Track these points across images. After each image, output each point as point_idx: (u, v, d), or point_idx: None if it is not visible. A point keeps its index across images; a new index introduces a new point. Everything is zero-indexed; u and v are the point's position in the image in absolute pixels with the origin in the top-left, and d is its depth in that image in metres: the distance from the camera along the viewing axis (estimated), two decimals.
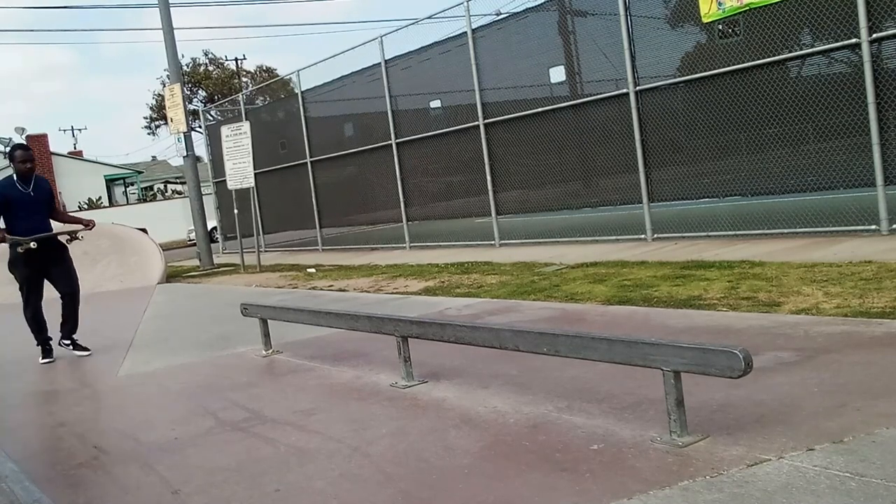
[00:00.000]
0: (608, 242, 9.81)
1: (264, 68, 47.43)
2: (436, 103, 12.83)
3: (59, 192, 33.96)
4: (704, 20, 8.47)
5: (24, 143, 7.62)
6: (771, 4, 7.83)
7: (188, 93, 40.44)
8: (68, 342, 7.01)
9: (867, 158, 7.35)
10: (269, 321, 6.01)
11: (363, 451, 3.49)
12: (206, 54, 47.29)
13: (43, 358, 6.86)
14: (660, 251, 8.49)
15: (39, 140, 35.32)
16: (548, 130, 10.53)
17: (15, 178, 6.55)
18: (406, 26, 12.73)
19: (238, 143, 13.98)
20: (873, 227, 7.38)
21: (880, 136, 7.22)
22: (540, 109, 10.55)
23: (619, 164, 9.70)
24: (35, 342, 7.01)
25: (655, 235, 9.35)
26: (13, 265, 6.67)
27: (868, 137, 7.29)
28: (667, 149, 9.28)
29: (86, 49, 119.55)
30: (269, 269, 13.76)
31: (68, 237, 6.79)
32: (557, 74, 10.52)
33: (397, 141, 13.10)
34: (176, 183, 44.57)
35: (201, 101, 43.63)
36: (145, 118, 49.59)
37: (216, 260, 16.74)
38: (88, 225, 6.96)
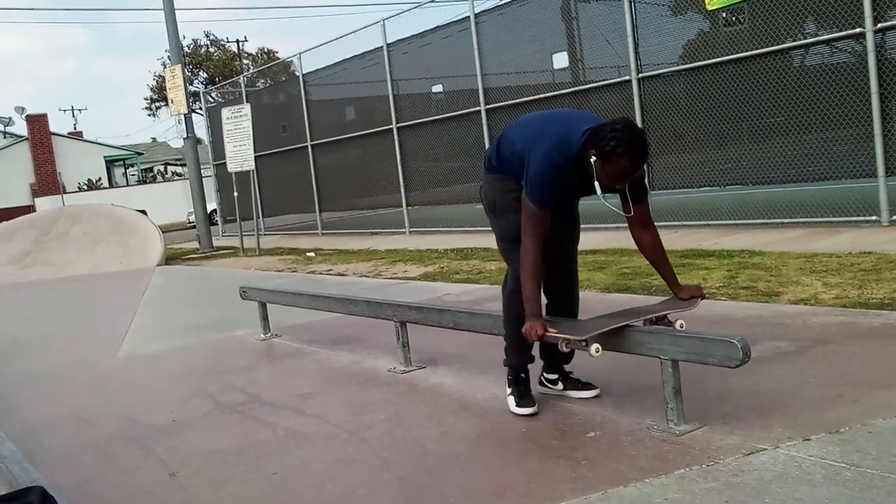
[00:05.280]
0: (608, 230, 9.78)
1: (266, 51, 47.16)
2: (437, 88, 12.78)
3: (59, 173, 33.90)
4: (709, 7, 8.41)
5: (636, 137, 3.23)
6: None
7: (189, 74, 40.30)
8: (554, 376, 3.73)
9: (869, 149, 7.32)
10: (267, 304, 6.01)
11: (361, 435, 3.50)
12: (207, 36, 47.07)
13: (519, 403, 3.51)
14: None
15: (39, 120, 35.21)
16: None
17: (596, 171, 3.15)
18: (408, 10, 12.66)
19: (239, 126, 13.94)
20: (874, 217, 7.37)
21: (882, 126, 7.19)
22: (542, 96, 10.50)
23: None
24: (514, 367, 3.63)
25: (656, 223, 9.33)
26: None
27: (870, 128, 7.25)
28: (668, 137, 9.25)
29: (86, 29, 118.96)
30: (268, 252, 13.76)
31: (651, 319, 3.30)
32: (560, 60, 10.47)
33: (398, 125, 13.05)
34: (176, 165, 44.49)
35: (202, 83, 43.46)
36: (146, 99, 49.35)
37: (216, 242, 16.73)
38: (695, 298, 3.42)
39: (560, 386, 3.67)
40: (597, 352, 3.10)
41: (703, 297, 3.45)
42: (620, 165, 3.12)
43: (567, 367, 3.70)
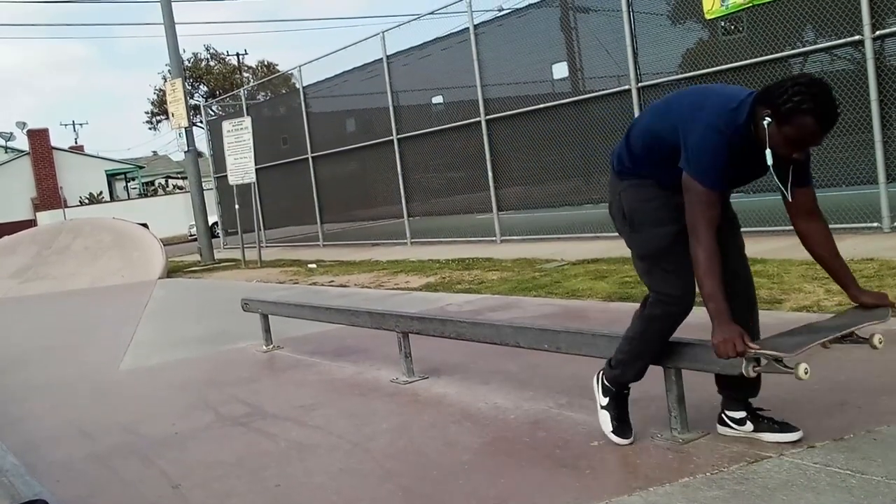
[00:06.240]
0: (610, 239, 9.80)
1: (266, 64, 47.30)
2: (437, 99, 12.82)
3: (61, 187, 33.98)
4: (707, 17, 8.44)
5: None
6: (774, 1, 7.81)
7: (189, 88, 40.41)
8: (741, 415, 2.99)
9: (869, 156, 7.34)
10: (269, 316, 6.01)
11: (363, 446, 3.49)
12: (207, 49, 47.20)
13: (616, 429, 3.07)
14: None
15: (40, 135, 35.35)
16: (550, 127, 10.51)
17: (770, 135, 2.57)
18: (408, 22, 12.72)
19: (239, 139, 13.97)
20: (875, 224, 7.37)
21: (882, 133, 7.20)
22: (542, 106, 10.53)
23: None
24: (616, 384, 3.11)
25: None
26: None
27: (870, 135, 7.27)
28: None
29: (87, 44, 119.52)
30: (269, 264, 13.76)
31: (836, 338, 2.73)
32: (560, 71, 10.50)
33: (399, 136, 13.08)
34: (177, 178, 44.59)
35: (203, 97, 43.58)
36: (146, 113, 49.42)
37: (217, 255, 16.75)
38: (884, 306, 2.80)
39: (749, 427, 2.93)
40: (805, 373, 2.51)
41: (893, 306, 2.80)
42: (805, 126, 2.48)
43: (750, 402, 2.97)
